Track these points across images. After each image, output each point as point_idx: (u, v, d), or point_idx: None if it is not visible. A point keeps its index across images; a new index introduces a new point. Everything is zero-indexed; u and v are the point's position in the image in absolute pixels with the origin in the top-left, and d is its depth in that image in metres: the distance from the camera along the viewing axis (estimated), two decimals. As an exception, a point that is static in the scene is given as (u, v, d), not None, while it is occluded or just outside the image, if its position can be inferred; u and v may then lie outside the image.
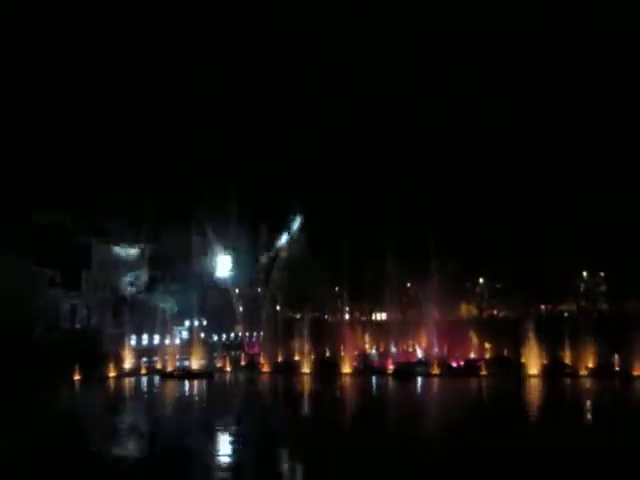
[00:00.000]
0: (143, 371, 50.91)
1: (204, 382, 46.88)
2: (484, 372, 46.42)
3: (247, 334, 71.36)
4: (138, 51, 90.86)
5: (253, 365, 55.34)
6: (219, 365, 55.14)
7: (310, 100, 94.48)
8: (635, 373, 43.80)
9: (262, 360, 55.61)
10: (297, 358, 55.58)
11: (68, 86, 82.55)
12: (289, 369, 51.92)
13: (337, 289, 73.90)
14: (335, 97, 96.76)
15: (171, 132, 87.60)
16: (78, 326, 67.25)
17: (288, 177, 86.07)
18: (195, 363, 52.41)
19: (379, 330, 65.47)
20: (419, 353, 57.72)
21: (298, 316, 70.19)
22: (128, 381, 47.72)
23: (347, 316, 69.41)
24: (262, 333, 71.41)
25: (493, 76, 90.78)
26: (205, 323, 72.17)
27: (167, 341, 65.24)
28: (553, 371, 45.97)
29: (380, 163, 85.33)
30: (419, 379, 46.54)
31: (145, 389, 45.77)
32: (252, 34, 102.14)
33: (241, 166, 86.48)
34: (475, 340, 56.84)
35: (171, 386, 45.40)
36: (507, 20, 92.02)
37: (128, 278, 74.21)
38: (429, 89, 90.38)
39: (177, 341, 66.92)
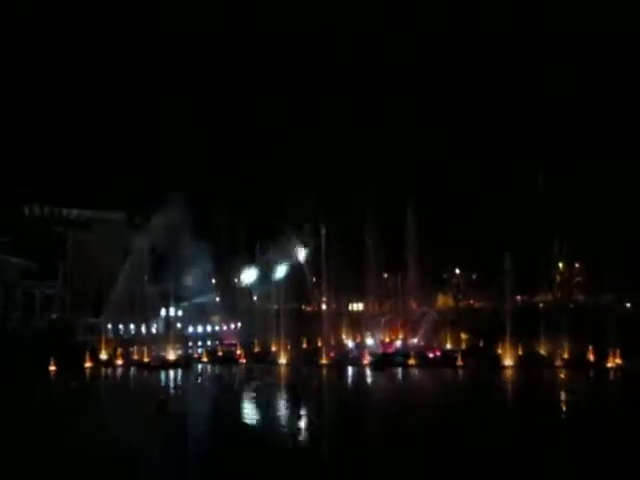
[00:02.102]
0: (120, 361, 50.62)
1: (180, 372, 47.15)
2: (460, 363, 46.72)
3: (224, 325, 71.15)
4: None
5: (230, 356, 55.22)
6: (195, 356, 55.05)
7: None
8: (609, 364, 44.38)
9: (239, 351, 55.55)
10: (274, 349, 55.61)
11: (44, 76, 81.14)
12: (266, 360, 52.05)
13: (314, 280, 73.84)
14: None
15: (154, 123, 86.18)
16: (54, 316, 66.78)
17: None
18: (172, 354, 52.26)
19: (356, 321, 65.58)
20: (396, 344, 57.90)
21: (275, 307, 70.06)
22: (104, 371, 47.61)
23: (324, 307, 69.34)
24: (239, 324, 71.36)
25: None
26: (181, 313, 71.94)
27: (144, 331, 65.17)
28: (528, 362, 46.44)
29: (355, 154, 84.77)
30: (396, 370, 46.84)
31: (120, 379, 45.71)
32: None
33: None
34: (452, 331, 57.16)
35: (146, 376, 45.52)
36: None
37: None
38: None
39: (154, 331, 66.78)
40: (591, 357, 46.29)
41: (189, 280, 71.12)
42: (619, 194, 74.35)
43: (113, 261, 71.57)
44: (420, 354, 49.83)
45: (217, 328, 70.65)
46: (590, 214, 73.29)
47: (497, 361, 47.47)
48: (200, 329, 70.63)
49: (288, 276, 68.56)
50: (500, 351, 50.30)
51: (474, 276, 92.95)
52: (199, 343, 59.24)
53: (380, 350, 54.26)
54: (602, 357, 45.32)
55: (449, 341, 55.80)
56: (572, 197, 73.96)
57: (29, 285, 65.26)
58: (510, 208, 74.63)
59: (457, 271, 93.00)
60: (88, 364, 48.08)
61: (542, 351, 49.72)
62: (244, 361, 52.32)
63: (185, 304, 70.61)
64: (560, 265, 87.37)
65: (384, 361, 48.95)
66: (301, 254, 75.96)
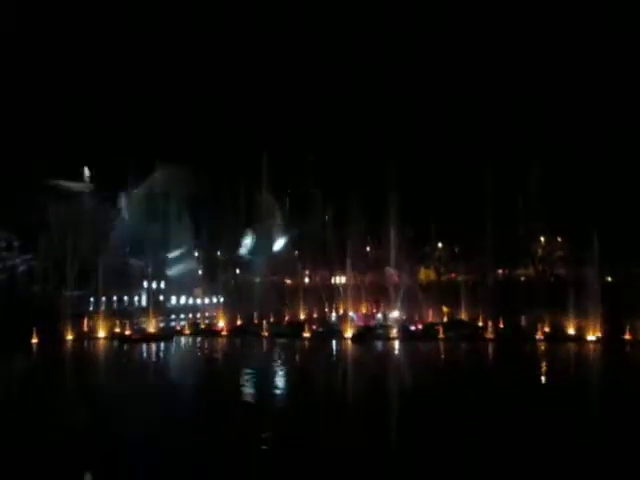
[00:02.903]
0: (102, 334, 50.49)
1: (162, 345, 47.18)
2: (442, 336, 46.98)
3: (206, 297, 71.12)
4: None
5: (212, 329, 55.24)
6: (178, 328, 55.02)
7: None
8: (589, 337, 44.81)
9: (221, 324, 55.57)
10: (256, 322, 55.66)
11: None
12: (248, 332, 52.11)
13: (297, 253, 73.96)
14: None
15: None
16: (36, 288, 66.30)
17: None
18: (154, 326, 52.16)
19: (339, 294, 65.72)
20: (378, 317, 58.07)
21: (258, 280, 70.08)
22: (86, 344, 47.50)
23: (307, 280, 69.48)
24: (221, 297, 71.33)
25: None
26: (164, 286, 71.87)
27: (126, 304, 65.05)
28: (509, 335, 46.84)
29: (338, 132, 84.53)
30: (378, 343, 47.02)
31: (98, 351, 45.70)
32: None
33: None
34: (433, 304, 57.35)
35: (127, 349, 45.61)
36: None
37: None
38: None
39: (136, 304, 66.66)
40: (571, 330, 46.71)
41: (171, 252, 71.22)
42: (601, 168, 74.61)
43: (96, 233, 71.33)
44: (402, 327, 50.02)
45: (199, 301, 70.58)
46: (572, 188, 73.58)
47: (478, 334, 47.87)
48: (182, 301, 70.63)
49: (273, 250, 68.80)
50: (481, 324, 50.80)
51: (456, 250, 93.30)
52: (181, 316, 59.10)
53: (362, 323, 54.42)
54: (582, 330, 45.80)
55: (430, 314, 56.07)
56: (554, 171, 74.12)
57: (9, 257, 64.71)
58: (493, 182, 74.77)
59: (439, 245, 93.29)
60: (70, 337, 47.91)
61: (523, 324, 50.13)
62: (226, 334, 52.36)
63: (171, 272, 70.64)
64: (542, 239, 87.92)
65: (365, 334, 49.11)
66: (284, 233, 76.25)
